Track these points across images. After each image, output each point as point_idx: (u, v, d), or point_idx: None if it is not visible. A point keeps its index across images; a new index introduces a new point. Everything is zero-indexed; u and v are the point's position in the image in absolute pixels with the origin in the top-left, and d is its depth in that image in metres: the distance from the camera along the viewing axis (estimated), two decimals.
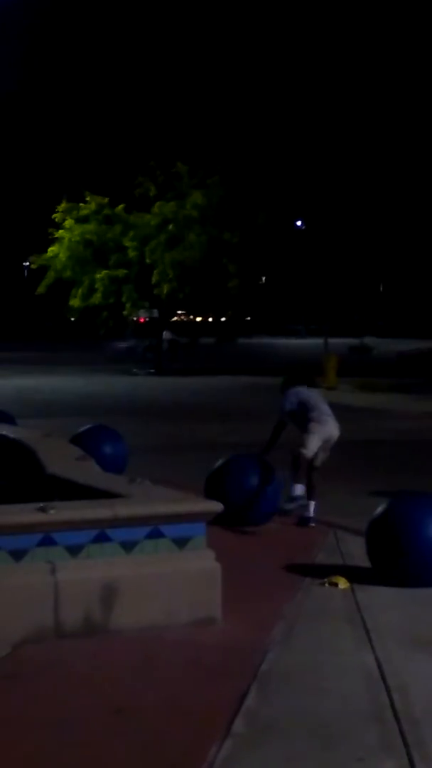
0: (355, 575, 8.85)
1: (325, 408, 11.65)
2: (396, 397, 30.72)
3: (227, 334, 61.78)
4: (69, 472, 9.13)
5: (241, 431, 20.69)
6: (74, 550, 7.26)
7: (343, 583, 8.64)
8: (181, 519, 7.61)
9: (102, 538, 7.33)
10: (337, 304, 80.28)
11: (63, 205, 45.66)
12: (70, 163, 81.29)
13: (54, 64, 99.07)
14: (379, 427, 20.89)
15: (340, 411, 12.68)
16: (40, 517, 7.18)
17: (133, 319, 53.44)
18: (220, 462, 11.63)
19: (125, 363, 49.01)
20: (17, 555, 7.12)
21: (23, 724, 5.74)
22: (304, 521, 11.17)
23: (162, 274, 43.37)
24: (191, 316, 68.88)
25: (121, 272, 44.24)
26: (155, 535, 7.48)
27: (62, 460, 9.88)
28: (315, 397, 11.84)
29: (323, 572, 8.99)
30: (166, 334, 50.29)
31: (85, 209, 45.36)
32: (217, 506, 7.88)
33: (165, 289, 43.57)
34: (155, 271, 43.49)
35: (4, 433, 12.01)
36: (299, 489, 11.06)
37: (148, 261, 43.51)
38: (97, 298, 44.32)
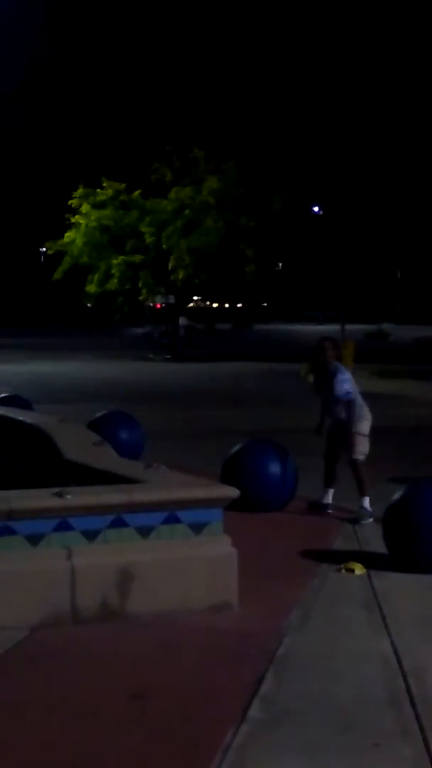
0: (372, 561, 8.84)
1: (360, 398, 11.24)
2: (413, 383, 30.66)
3: (243, 321, 61.79)
4: (86, 458, 9.15)
5: (257, 417, 20.71)
6: (91, 536, 7.27)
7: (359, 569, 8.63)
8: (197, 504, 7.61)
9: (118, 524, 7.34)
10: (354, 291, 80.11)
11: (80, 191, 45.66)
12: (87, 149, 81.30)
13: (72, 51, 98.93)
14: (395, 413, 20.83)
15: None
16: (57, 502, 7.19)
17: (149, 305, 53.49)
18: (236, 447, 11.62)
19: (142, 349, 49.05)
20: (34, 540, 7.13)
21: (41, 707, 5.76)
22: (320, 507, 11.15)
23: (178, 259, 43.35)
24: (207, 302, 68.87)
25: (138, 258, 44.23)
26: (172, 520, 7.48)
27: (79, 445, 9.89)
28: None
29: (340, 558, 8.98)
30: (182, 320, 50.36)
31: (102, 195, 45.35)
32: (233, 492, 7.87)
33: (181, 275, 43.56)
34: (171, 257, 43.49)
35: (21, 418, 12.04)
36: (367, 501, 10.77)
37: (164, 247, 43.50)
38: (113, 284, 44.35)
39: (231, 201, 43.98)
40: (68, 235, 45.24)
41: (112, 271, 44.27)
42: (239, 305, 55.71)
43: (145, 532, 7.42)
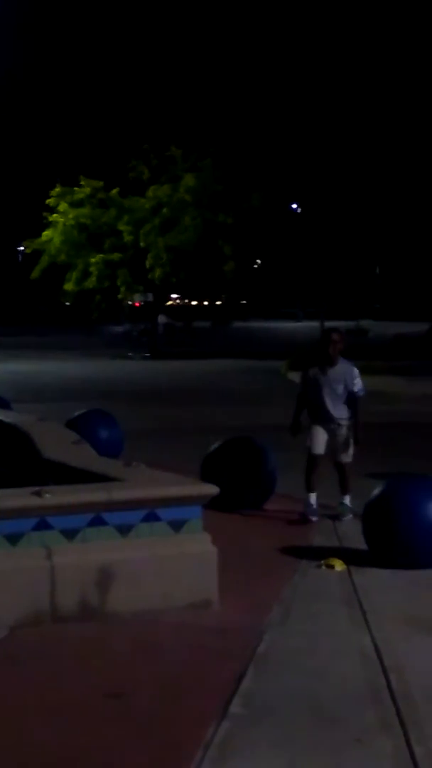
0: (352, 557, 8.85)
1: None
2: (392, 379, 30.70)
3: (222, 318, 61.75)
4: (64, 457, 9.12)
5: (236, 414, 20.71)
6: (70, 534, 7.25)
7: (339, 565, 8.64)
8: (176, 502, 7.60)
9: (98, 522, 7.32)
10: (334, 288, 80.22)
11: (57, 190, 45.52)
12: (64, 147, 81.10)
13: (48, 49, 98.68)
14: (375, 409, 20.83)
15: None
16: (36, 502, 7.17)
17: (128, 303, 53.40)
18: (215, 445, 11.61)
19: (121, 347, 48.99)
20: (13, 539, 7.11)
21: (20, 707, 5.75)
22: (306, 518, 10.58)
23: (156, 257, 43.29)
24: (186, 300, 68.82)
25: (116, 256, 44.15)
26: (151, 518, 7.47)
27: (58, 444, 9.86)
28: None
29: (320, 554, 8.99)
30: (161, 318, 50.29)
31: (80, 193, 45.23)
32: (212, 489, 7.86)
33: (158, 273, 43.50)
34: (149, 255, 43.42)
35: None
36: (348, 498, 10.58)
37: (142, 245, 43.43)
38: (91, 282, 44.25)
39: (209, 198, 43.94)
40: (46, 234, 45.11)
41: (91, 270, 44.18)
42: (218, 303, 55.72)
43: (124, 530, 7.41)
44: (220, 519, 9.58)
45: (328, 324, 44.28)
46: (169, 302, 57.62)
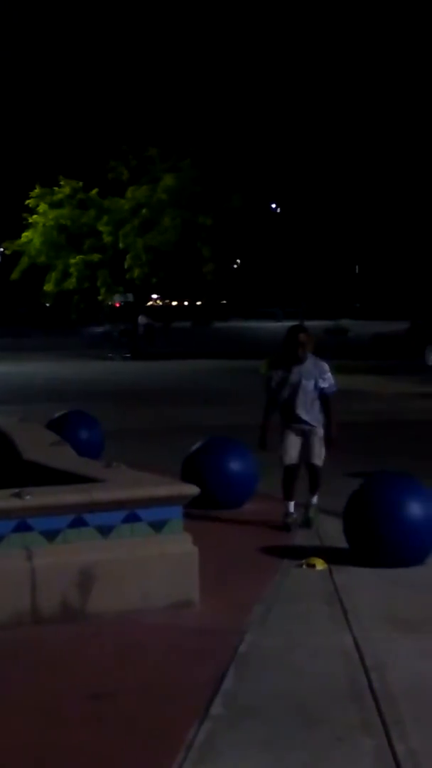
0: (333, 556, 8.86)
1: None
2: (372, 378, 30.79)
3: (203, 318, 61.76)
4: (45, 458, 9.10)
5: (217, 414, 20.71)
6: (51, 536, 7.23)
7: (320, 565, 8.65)
8: (157, 502, 7.59)
9: (78, 523, 7.31)
10: (313, 287, 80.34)
11: (37, 191, 45.45)
12: (43, 147, 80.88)
13: (26, 50, 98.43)
14: (355, 408, 20.90)
15: None
16: (16, 503, 7.15)
17: (108, 304, 53.37)
18: (196, 445, 11.61)
19: (101, 348, 48.93)
20: None
21: (2, 708, 5.72)
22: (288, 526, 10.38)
23: (135, 258, 43.25)
24: (167, 301, 68.82)
25: (96, 257, 44.10)
26: (132, 519, 7.46)
27: (38, 445, 9.84)
28: None
29: (301, 554, 8.99)
30: (141, 319, 50.26)
31: (59, 194, 45.17)
32: (193, 489, 7.86)
33: (137, 273, 43.47)
34: (128, 256, 43.39)
35: None
36: (316, 498, 10.42)
37: (121, 246, 43.39)
38: (71, 283, 44.21)
39: (188, 199, 43.93)
40: (26, 235, 45.03)
41: (70, 270, 44.13)
42: (198, 303, 55.74)
43: (105, 531, 7.39)
44: (201, 519, 9.58)
45: (308, 323, 44.41)
46: (150, 303, 57.55)
